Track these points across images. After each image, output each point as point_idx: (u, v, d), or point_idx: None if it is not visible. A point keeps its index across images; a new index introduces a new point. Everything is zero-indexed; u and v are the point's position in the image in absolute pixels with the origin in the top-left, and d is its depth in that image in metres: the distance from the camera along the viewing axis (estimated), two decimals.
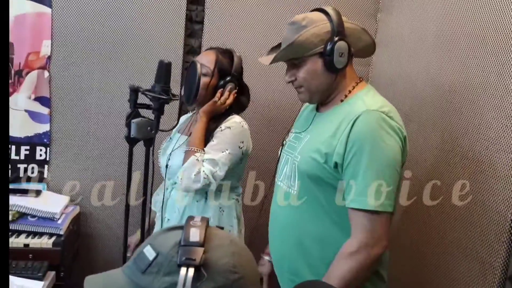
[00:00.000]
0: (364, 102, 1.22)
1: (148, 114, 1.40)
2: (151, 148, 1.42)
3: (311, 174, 1.25)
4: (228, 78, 1.65)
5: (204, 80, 1.62)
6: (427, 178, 1.67)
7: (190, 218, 0.74)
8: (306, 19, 1.24)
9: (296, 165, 1.30)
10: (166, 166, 1.69)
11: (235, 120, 1.67)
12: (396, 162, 1.17)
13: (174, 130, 1.77)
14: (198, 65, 1.45)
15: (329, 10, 1.24)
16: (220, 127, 1.64)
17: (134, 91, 1.42)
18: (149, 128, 1.41)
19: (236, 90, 1.69)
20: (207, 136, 1.63)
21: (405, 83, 1.95)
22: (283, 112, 2.17)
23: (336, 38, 1.20)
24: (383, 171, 1.14)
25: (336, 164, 1.19)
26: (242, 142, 1.65)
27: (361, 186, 1.14)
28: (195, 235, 0.69)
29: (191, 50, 2.20)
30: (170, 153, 1.70)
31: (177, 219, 1.67)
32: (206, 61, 1.65)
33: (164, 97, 1.35)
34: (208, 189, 1.62)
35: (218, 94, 1.64)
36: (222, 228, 0.78)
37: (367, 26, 2.26)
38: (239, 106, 1.73)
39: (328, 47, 1.20)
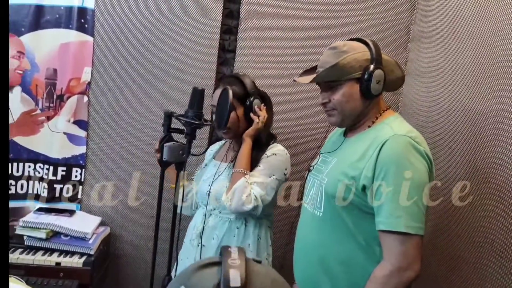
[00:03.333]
0: (392, 127, 1.25)
1: (180, 138, 1.45)
2: (182, 172, 1.46)
3: (337, 196, 1.25)
4: (249, 99, 1.68)
5: (231, 117, 1.63)
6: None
7: (226, 252, 0.67)
8: (346, 45, 1.29)
9: (323, 187, 1.31)
10: (208, 193, 1.70)
11: (279, 148, 1.71)
12: (425, 185, 1.18)
13: (208, 157, 1.81)
14: (230, 92, 1.49)
15: (368, 40, 1.30)
16: (266, 154, 1.67)
17: (168, 116, 1.47)
18: (180, 152, 1.46)
19: (263, 104, 1.71)
20: (253, 161, 1.66)
21: (436, 111, 1.93)
22: (307, 140, 2.20)
23: (374, 66, 1.25)
24: (412, 194, 1.15)
25: (364, 187, 1.20)
26: (286, 169, 1.69)
27: (392, 208, 1.15)
28: (235, 278, 0.62)
29: (223, 79, 2.26)
30: (213, 181, 1.70)
31: (214, 247, 1.66)
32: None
33: (197, 122, 1.40)
34: (251, 214, 1.62)
35: (254, 118, 1.67)
36: (260, 261, 0.71)
37: (398, 55, 2.32)
38: (269, 116, 1.73)
39: (367, 73, 1.24)
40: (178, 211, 1.85)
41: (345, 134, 1.42)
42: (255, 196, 1.57)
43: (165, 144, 1.46)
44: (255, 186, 1.58)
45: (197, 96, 1.41)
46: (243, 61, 2.24)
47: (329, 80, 1.31)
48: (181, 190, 1.77)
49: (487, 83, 1.59)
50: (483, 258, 1.49)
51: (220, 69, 2.26)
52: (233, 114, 1.66)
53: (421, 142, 1.23)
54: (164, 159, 1.46)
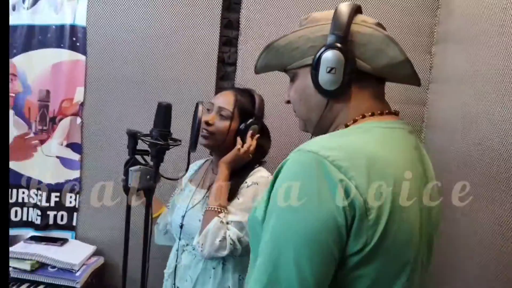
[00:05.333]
0: (310, 141, 0.79)
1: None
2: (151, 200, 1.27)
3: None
4: (250, 121, 1.48)
5: (223, 124, 1.47)
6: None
7: None
8: (309, 17, 0.90)
9: None
10: (181, 225, 1.49)
11: (262, 174, 1.47)
12: (317, 234, 0.69)
13: (184, 180, 1.61)
14: (200, 108, 1.31)
15: (341, 4, 0.85)
16: (246, 183, 1.43)
17: (132, 136, 1.30)
18: (148, 176, 1.27)
19: (258, 135, 1.51)
20: (230, 192, 1.43)
21: (465, 125, 1.63)
22: None
23: (327, 45, 0.82)
24: (281, 247, 0.71)
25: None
26: None
27: (256, 269, 0.74)
28: None
29: None
30: (186, 211, 1.49)
31: None
32: (224, 102, 1.50)
33: (161, 142, 1.21)
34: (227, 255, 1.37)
35: (239, 140, 1.47)
36: None
37: (421, 61, 2.03)
38: (260, 151, 1.54)
39: (316, 57, 0.83)
40: (159, 242, 1.69)
41: None
42: (231, 240, 1.32)
43: (130, 169, 1.28)
44: (231, 227, 1.34)
45: (163, 112, 1.23)
46: (245, 75, 2.05)
47: (281, 70, 0.95)
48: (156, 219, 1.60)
49: None
50: None
51: (220, 84, 2.07)
52: (227, 122, 1.47)
53: (345, 167, 0.71)
54: (129, 185, 1.29)
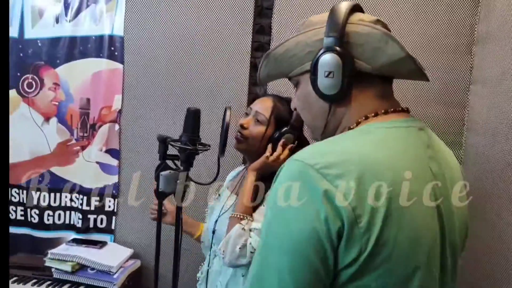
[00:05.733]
0: (304, 149, 0.77)
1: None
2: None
3: None
4: (285, 129, 1.43)
5: (258, 129, 1.44)
6: None
7: None
8: (305, 22, 0.87)
9: None
10: (213, 231, 1.49)
11: None
12: (297, 244, 0.67)
13: (223, 186, 1.62)
14: (228, 113, 1.30)
15: (335, 5, 0.83)
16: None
17: (163, 142, 1.32)
18: (178, 181, 1.29)
19: (293, 144, 1.44)
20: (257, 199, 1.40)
21: (508, 127, 1.54)
22: None
23: (324, 48, 0.80)
24: (270, 257, 0.70)
25: None
26: None
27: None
28: None
29: (255, 99, 2.08)
30: (218, 217, 1.49)
31: None
32: (261, 108, 1.47)
33: (190, 147, 1.23)
34: None
35: (269, 148, 1.43)
36: None
37: (462, 62, 1.95)
38: None
39: (313, 62, 0.81)
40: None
41: None
42: (252, 247, 1.29)
43: (160, 173, 1.31)
44: (253, 234, 1.31)
45: (192, 117, 1.25)
46: (277, 81, 2.03)
47: (285, 78, 0.93)
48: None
49: None
50: None
51: (252, 90, 2.08)
52: (261, 128, 1.44)
53: (332, 174, 0.68)
54: (160, 190, 1.31)
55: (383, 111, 0.81)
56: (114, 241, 2.16)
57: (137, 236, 2.18)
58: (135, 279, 2.05)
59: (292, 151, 1.42)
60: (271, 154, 1.42)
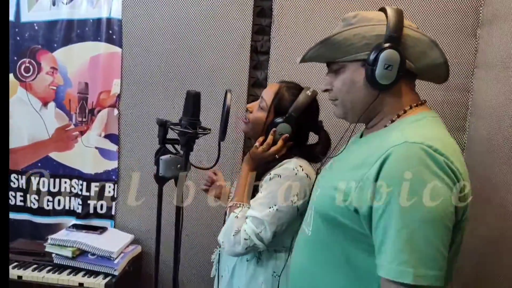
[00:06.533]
0: (403, 132, 0.88)
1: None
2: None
3: (325, 214, 0.96)
4: (279, 119, 1.34)
5: (258, 114, 1.39)
6: None
7: None
8: (357, 16, 0.98)
9: (314, 200, 1.05)
10: (225, 213, 1.43)
11: (287, 166, 1.30)
12: (445, 216, 0.81)
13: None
14: (229, 95, 1.27)
15: (389, 9, 0.95)
16: (269, 174, 1.31)
17: (162, 125, 1.30)
18: (178, 166, 1.27)
19: (287, 135, 1.33)
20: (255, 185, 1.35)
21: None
22: None
23: (385, 45, 0.92)
24: (425, 230, 0.80)
25: (356, 210, 0.88)
26: (296, 195, 1.26)
27: (395, 249, 0.80)
28: None
29: (256, 83, 2.05)
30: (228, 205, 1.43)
31: (226, 280, 1.43)
32: (266, 93, 1.40)
33: (190, 131, 1.20)
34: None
35: (260, 139, 1.36)
36: None
37: (466, 45, 1.92)
38: (311, 154, 1.39)
39: (372, 54, 0.93)
40: None
41: (363, 132, 1.10)
42: (247, 234, 1.24)
43: (160, 158, 1.29)
44: (248, 222, 1.26)
45: (191, 101, 1.22)
46: (278, 63, 2.01)
47: (327, 61, 1.03)
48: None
49: None
50: None
51: (253, 73, 2.05)
52: (262, 114, 1.37)
53: (449, 154, 0.84)
54: (160, 174, 1.29)
55: (419, 102, 0.99)
56: (114, 227, 2.15)
57: (137, 221, 2.17)
58: (136, 265, 2.04)
59: (286, 142, 1.34)
60: (261, 145, 1.35)
